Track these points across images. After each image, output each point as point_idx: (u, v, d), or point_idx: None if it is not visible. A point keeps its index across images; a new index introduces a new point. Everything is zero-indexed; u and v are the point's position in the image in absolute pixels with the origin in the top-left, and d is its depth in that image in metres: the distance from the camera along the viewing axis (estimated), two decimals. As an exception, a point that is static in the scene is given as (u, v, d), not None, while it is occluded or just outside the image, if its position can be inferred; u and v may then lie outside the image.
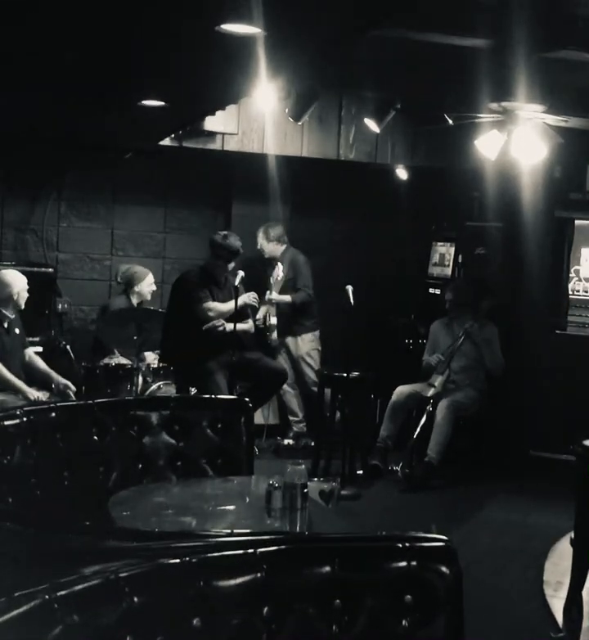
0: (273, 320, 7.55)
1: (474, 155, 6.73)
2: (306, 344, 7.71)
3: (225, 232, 6.80)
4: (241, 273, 6.55)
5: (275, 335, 7.60)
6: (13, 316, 6.40)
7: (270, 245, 7.66)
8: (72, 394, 6.35)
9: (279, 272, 7.39)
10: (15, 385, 6.13)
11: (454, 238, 8.21)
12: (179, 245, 8.33)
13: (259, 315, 7.51)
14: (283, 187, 7.75)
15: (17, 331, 6.42)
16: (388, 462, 6.91)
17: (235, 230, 7.64)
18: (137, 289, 7.28)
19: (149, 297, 7.33)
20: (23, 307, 6.45)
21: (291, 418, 7.80)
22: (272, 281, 7.46)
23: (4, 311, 6.34)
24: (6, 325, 6.34)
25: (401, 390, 7.07)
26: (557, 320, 7.66)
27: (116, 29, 3.66)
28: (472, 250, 8.04)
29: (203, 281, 6.57)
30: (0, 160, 7.58)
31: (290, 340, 7.70)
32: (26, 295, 6.44)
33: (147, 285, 7.32)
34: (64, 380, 6.43)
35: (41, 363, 6.57)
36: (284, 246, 7.69)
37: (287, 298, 7.51)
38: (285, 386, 7.66)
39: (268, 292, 7.47)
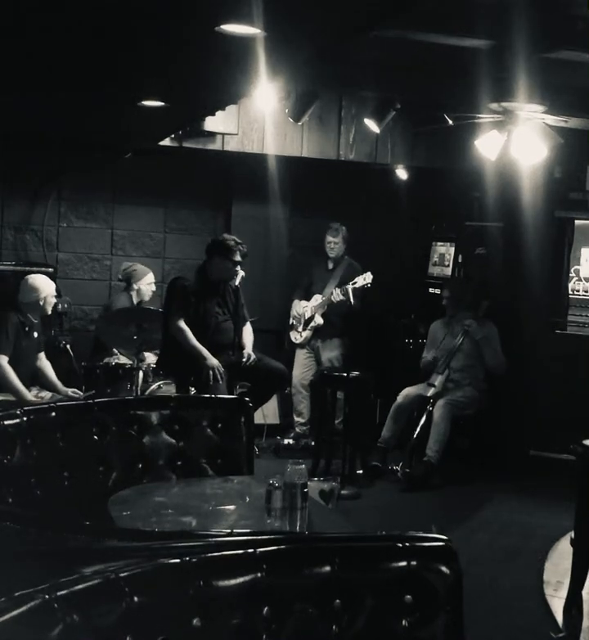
0: (320, 319, 7.58)
1: (474, 155, 6.73)
2: (338, 347, 7.68)
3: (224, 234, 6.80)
4: (242, 273, 6.54)
5: (308, 334, 7.62)
6: (36, 320, 6.43)
7: (344, 245, 7.70)
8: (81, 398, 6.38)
9: (368, 279, 7.13)
10: (20, 394, 6.12)
11: (454, 238, 8.21)
12: (179, 245, 8.33)
13: (304, 312, 7.61)
14: (283, 187, 7.75)
15: (36, 334, 6.46)
16: (387, 462, 6.91)
17: (235, 230, 7.66)
18: (136, 286, 7.28)
19: (147, 297, 7.32)
20: (49, 312, 6.53)
21: (296, 419, 7.80)
22: (351, 285, 7.17)
23: (29, 315, 6.38)
24: (27, 328, 6.37)
25: (407, 393, 7.05)
26: (557, 320, 7.66)
27: (116, 29, 3.66)
28: (472, 249, 8.04)
29: (190, 292, 6.39)
30: (0, 160, 7.57)
31: (319, 342, 7.70)
32: (53, 300, 6.51)
33: (146, 283, 7.31)
34: (70, 391, 6.45)
35: (50, 372, 6.57)
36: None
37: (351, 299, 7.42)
38: (298, 386, 7.68)
39: (341, 292, 7.28)
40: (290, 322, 7.78)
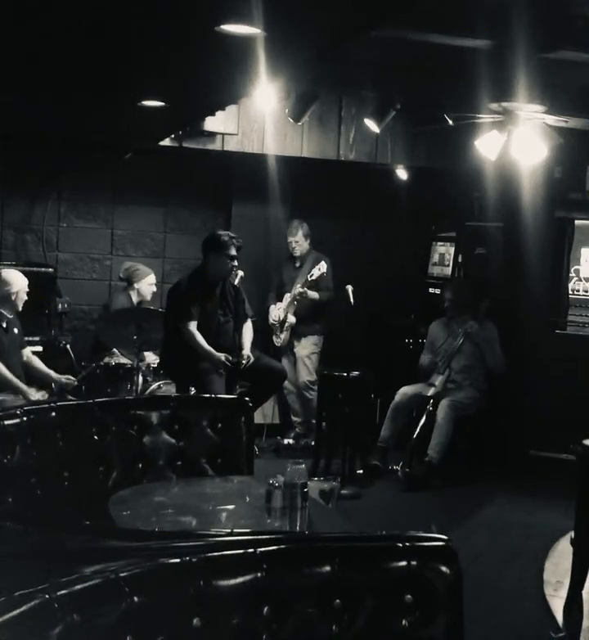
0: (292, 318, 7.58)
1: (474, 155, 6.73)
2: (310, 346, 7.71)
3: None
4: (241, 273, 6.52)
5: (286, 335, 7.61)
6: (11, 316, 6.40)
7: (306, 242, 7.70)
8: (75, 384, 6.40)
9: (323, 268, 7.27)
10: (15, 386, 6.13)
11: (454, 238, 8.21)
12: (179, 245, 8.32)
13: (278, 314, 7.59)
14: (283, 188, 7.75)
15: (15, 331, 6.42)
16: (388, 462, 6.91)
17: (235, 230, 7.63)
18: (136, 286, 7.29)
19: (148, 297, 7.33)
20: (20, 308, 6.46)
21: (294, 419, 7.81)
22: (309, 278, 7.37)
23: (2, 310, 6.34)
24: (4, 325, 6.34)
25: (404, 391, 7.05)
26: (557, 320, 7.66)
27: (116, 29, 3.66)
28: (472, 250, 8.04)
29: (192, 293, 6.35)
30: (0, 160, 7.57)
31: (295, 340, 7.70)
32: (25, 296, 6.44)
33: (147, 284, 7.32)
34: (64, 378, 6.45)
35: (39, 363, 6.57)
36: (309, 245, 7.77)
37: (315, 294, 7.51)
38: (289, 386, 7.67)
39: (300, 286, 7.46)
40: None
